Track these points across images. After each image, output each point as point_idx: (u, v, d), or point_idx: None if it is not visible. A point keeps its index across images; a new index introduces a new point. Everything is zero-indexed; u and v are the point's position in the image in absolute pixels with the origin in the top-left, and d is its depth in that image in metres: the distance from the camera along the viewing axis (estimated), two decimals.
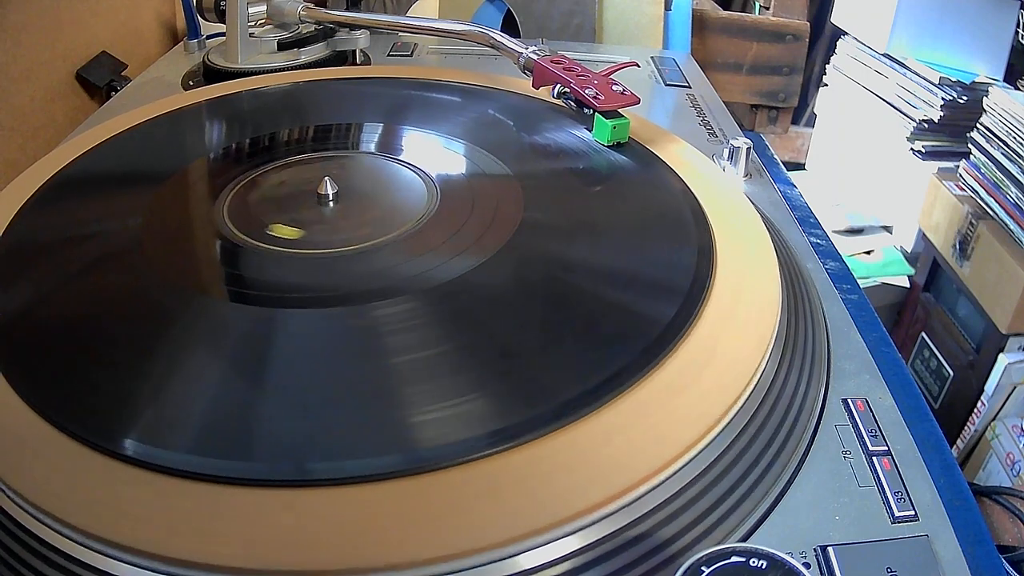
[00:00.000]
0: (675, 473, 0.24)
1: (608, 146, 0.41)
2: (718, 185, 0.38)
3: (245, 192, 0.38)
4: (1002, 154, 0.78)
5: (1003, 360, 0.78)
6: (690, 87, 0.63)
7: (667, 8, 0.78)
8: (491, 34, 0.51)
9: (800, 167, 1.20)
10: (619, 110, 0.42)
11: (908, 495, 0.26)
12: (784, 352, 0.30)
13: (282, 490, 0.22)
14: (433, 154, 0.42)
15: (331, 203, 0.37)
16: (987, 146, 0.81)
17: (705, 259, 0.32)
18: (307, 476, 0.23)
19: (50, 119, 0.60)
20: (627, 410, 0.25)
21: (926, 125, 0.93)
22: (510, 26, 0.77)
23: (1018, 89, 0.89)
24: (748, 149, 0.46)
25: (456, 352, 0.28)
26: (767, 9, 1.01)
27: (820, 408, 0.29)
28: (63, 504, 0.22)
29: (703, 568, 0.21)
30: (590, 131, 0.43)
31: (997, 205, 0.79)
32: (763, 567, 0.21)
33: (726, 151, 0.47)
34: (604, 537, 0.22)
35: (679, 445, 0.24)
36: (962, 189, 0.85)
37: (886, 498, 0.26)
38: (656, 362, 0.27)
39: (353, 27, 0.62)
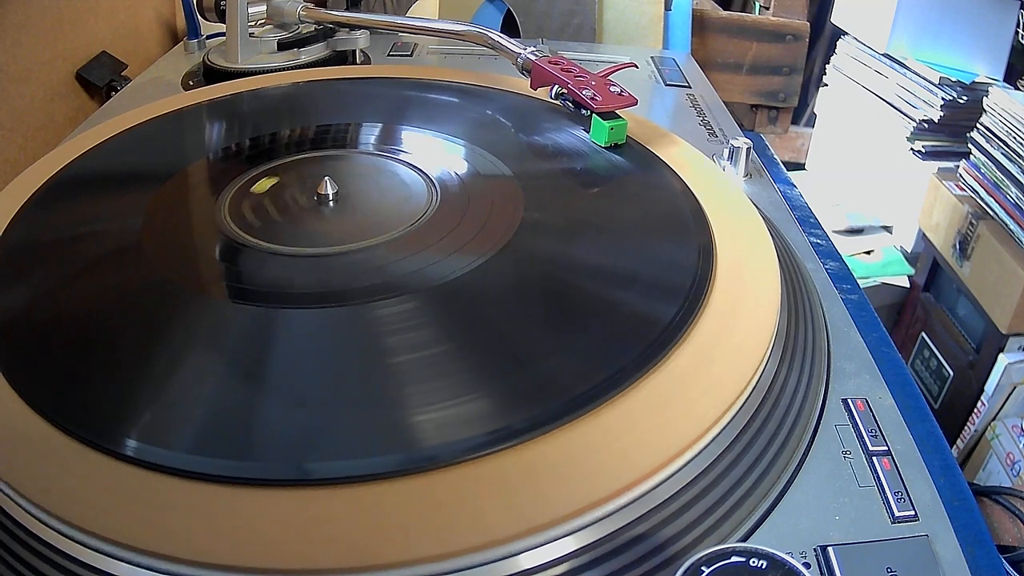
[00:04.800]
0: (675, 473, 0.24)
1: (605, 147, 0.41)
2: (718, 185, 0.38)
3: (245, 192, 0.38)
4: (1002, 154, 0.78)
5: (1003, 360, 0.78)
6: (690, 87, 0.63)
7: (667, 8, 0.78)
8: (489, 34, 0.51)
9: (800, 167, 1.20)
10: (617, 111, 0.42)
11: (908, 495, 0.26)
12: (784, 352, 0.30)
13: (283, 490, 0.23)
14: (433, 154, 0.42)
15: (331, 203, 0.37)
16: (987, 146, 0.81)
17: (705, 259, 0.32)
18: (308, 475, 0.23)
19: (50, 119, 0.60)
20: (627, 410, 0.25)
21: (926, 125, 0.93)
22: (510, 26, 0.77)
23: (1018, 89, 0.89)
24: (748, 149, 0.46)
25: (456, 351, 0.28)
26: (767, 9, 1.01)
27: (820, 408, 0.29)
28: (63, 504, 0.22)
29: (703, 568, 0.21)
30: (587, 132, 0.42)
31: (997, 205, 0.79)
32: (763, 567, 0.21)
33: (726, 151, 0.47)
34: (604, 537, 0.22)
35: (679, 445, 0.24)
36: (962, 189, 0.85)
37: (886, 498, 0.26)
38: (656, 362, 0.27)
39: (353, 27, 0.62)
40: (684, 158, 0.41)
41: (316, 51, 0.61)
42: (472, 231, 0.35)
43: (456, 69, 0.58)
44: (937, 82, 0.92)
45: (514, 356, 0.28)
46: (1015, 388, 0.79)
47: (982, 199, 0.82)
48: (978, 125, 0.83)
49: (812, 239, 0.41)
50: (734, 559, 0.21)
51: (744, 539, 0.24)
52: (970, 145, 0.84)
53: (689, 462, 0.24)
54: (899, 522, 0.25)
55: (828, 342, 0.33)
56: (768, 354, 0.28)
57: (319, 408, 0.25)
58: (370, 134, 0.46)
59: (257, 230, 0.35)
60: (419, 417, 0.25)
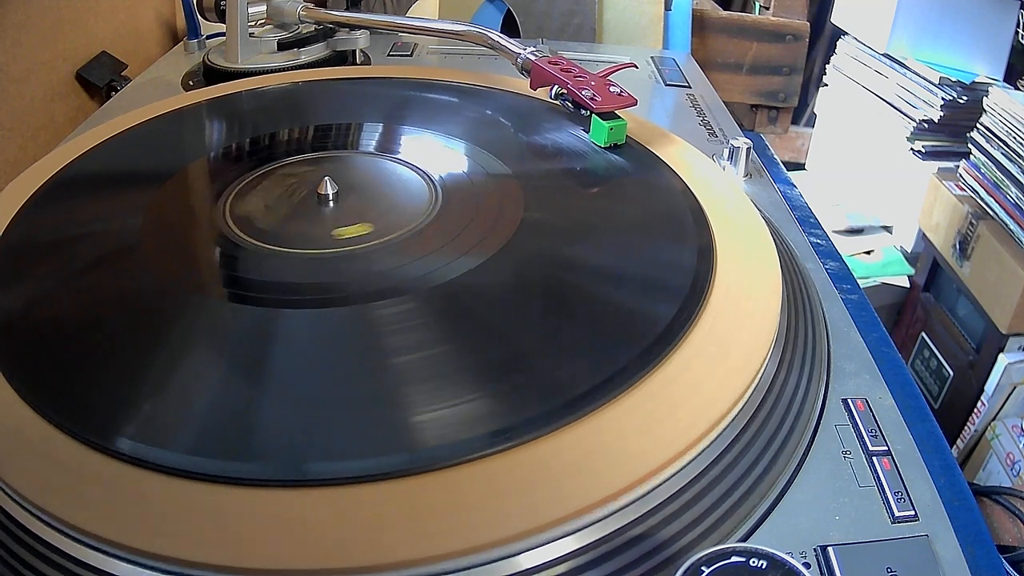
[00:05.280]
0: (675, 473, 0.24)
1: (605, 148, 0.41)
2: (718, 185, 0.38)
3: (245, 192, 0.38)
4: (1002, 154, 0.78)
5: (1003, 360, 0.78)
6: (690, 87, 0.63)
7: (667, 8, 0.78)
8: (489, 35, 0.51)
9: (800, 167, 1.20)
10: (617, 112, 0.42)
11: (908, 495, 0.26)
12: (784, 352, 0.30)
13: (282, 490, 0.23)
14: (433, 154, 0.42)
15: (331, 203, 0.37)
16: (987, 146, 0.81)
17: (705, 259, 0.32)
18: (307, 476, 0.23)
19: (50, 119, 0.60)
20: (627, 410, 0.25)
21: (926, 125, 0.93)
22: (510, 26, 0.77)
23: (1018, 89, 0.89)
24: (748, 149, 0.46)
25: (456, 352, 0.28)
26: (767, 9, 1.01)
27: (820, 408, 0.29)
28: (63, 504, 0.22)
29: (703, 568, 0.21)
30: (587, 132, 0.42)
31: (997, 205, 0.79)
32: (763, 567, 0.21)
33: (726, 151, 0.47)
34: (604, 537, 0.22)
35: (679, 445, 0.24)
36: (962, 189, 0.86)
37: (886, 498, 0.26)
38: (656, 362, 0.27)
39: (353, 27, 0.62)
40: (684, 158, 0.41)
41: (316, 51, 0.61)
42: (471, 231, 0.35)
43: (456, 69, 0.58)
44: (937, 82, 0.92)
45: (513, 357, 0.28)
46: (1015, 388, 0.79)
47: (982, 199, 0.82)
48: (978, 125, 0.83)
49: (812, 239, 0.41)
50: (734, 559, 0.21)
51: (744, 539, 0.24)
52: (970, 145, 0.84)
53: (689, 462, 0.24)
54: (899, 522, 0.25)
55: (828, 342, 0.33)
56: (768, 354, 0.28)
57: (318, 409, 0.25)
58: (370, 134, 0.46)
59: (257, 230, 0.35)
60: (418, 418, 0.25)
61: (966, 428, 0.83)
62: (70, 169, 0.41)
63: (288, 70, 0.57)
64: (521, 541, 0.21)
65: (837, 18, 1.13)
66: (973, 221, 0.81)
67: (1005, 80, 0.96)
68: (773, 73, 0.94)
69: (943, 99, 0.91)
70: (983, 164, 0.82)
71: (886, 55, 1.01)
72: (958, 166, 0.86)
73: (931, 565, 0.24)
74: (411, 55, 0.68)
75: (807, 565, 0.23)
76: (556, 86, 0.46)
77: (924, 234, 0.92)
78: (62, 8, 0.61)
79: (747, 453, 0.26)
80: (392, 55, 0.68)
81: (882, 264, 0.97)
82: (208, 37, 0.68)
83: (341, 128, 0.46)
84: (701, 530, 0.24)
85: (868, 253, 0.99)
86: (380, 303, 0.30)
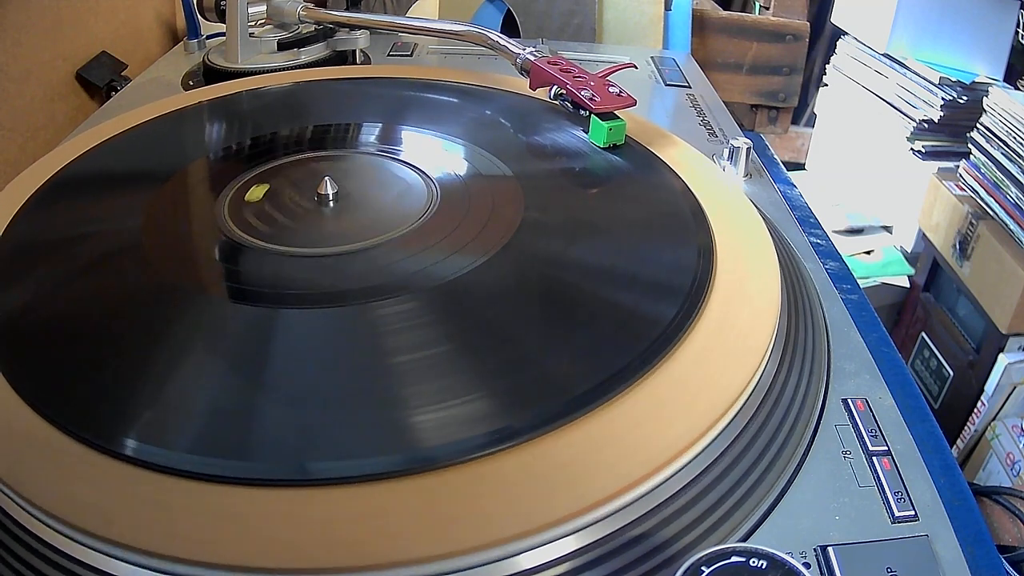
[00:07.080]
0: (675, 473, 0.24)
1: (604, 148, 0.41)
2: (718, 185, 0.38)
3: (245, 192, 0.38)
4: (1002, 154, 0.78)
5: (1003, 360, 0.78)
6: (690, 87, 0.63)
7: (667, 8, 0.78)
8: (489, 35, 0.51)
9: (800, 167, 1.20)
10: (616, 112, 0.42)
11: (908, 495, 0.26)
12: (784, 352, 0.30)
13: (282, 490, 0.23)
14: (433, 154, 0.42)
15: (331, 203, 0.37)
16: (987, 146, 0.81)
17: (705, 259, 0.32)
18: (308, 476, 0.23)
19: (50, 119, 0.60)
20: (627, 410, 0.25)
21: (926, 125, 0.93)
22: (510, 26, 0.77)
23: (1018, 89, 0.89)
24: (748, 149, 0.46)
25: (456, 351, 0.28)
26: (767, 9, 1.01)
27: (820, 408, 0.29)
28: (63, 504, 0.22)
29: (703, 568, 0.21)
30: (587, 133, 0.42)
31: (997, 205, 0.79)
32: (763, 567, 0.21)
33: (726, 151, 0.47)
34: (604, 537, 0.22)
35: (679, 445, 0.24)
36: (962, 189, 0.86)
37: (886, 498, 0.26)
38: (656, 362, 0.27)
39: (353, 27, 0.62)
40: (684, 158, 0.41)
41: (316, 51, 0.61)
42: (472, 231, 0.35)
43: (456, 69, 0.58)
44: (937, 82, 0.92)
45: (514, 356, 0.28)
46: (1015, 388, 0.79)
47: (982, 199, 0.82)
48: (978, 125, 0.83)
49: (812, 239, 0.41)
50: (734, 559, 0.21)
51: (744, 539, 0.24)
52: (970, 145, 0.84)
53: (689, 462, 0.24)
54: (899, 522, 0.25)
55: (828, 342, 0.33)
56: (768, 354, 0.28)
57: (320, 408, 0.25)
58: (370, 134, 0.46)
59: (257, 230, 0.35)
60: (419, 417, 0.25)
61: (966, 428, 0.83)
62: (70, 169, 0.41)
63: (288, 70, 0.57)
64: (522, 541, 0.21)
65: (837, 18, 1.13)
66: (973, 221, 0.81)
67: (1005, 80, 0.96)
68: (773, 73, 0.94)
69: (943, 99, 0.91)
70: (983, 164, 0.82)
71: (886, 55, 1.01)
72: (958, 166, 0.86)
73: (931, 565, 0.24)
74: (411, 55, 0.68)
75: (807, 565, 0.23)
76: (555, 86, 0.46)
77: (924, 234, 0.92)
78: (62, 8, 0.61)
79: (747, 453, 0.26)
80: (392, 55, 0.68)
81: (882, 264, 0.97)
82: (208, 37, 0.68)
83: (341, 128, 0.46)
84: (701, 530, 0.24)
85: (868, 253, 0.99)
86: (382, 303, 0.30)
